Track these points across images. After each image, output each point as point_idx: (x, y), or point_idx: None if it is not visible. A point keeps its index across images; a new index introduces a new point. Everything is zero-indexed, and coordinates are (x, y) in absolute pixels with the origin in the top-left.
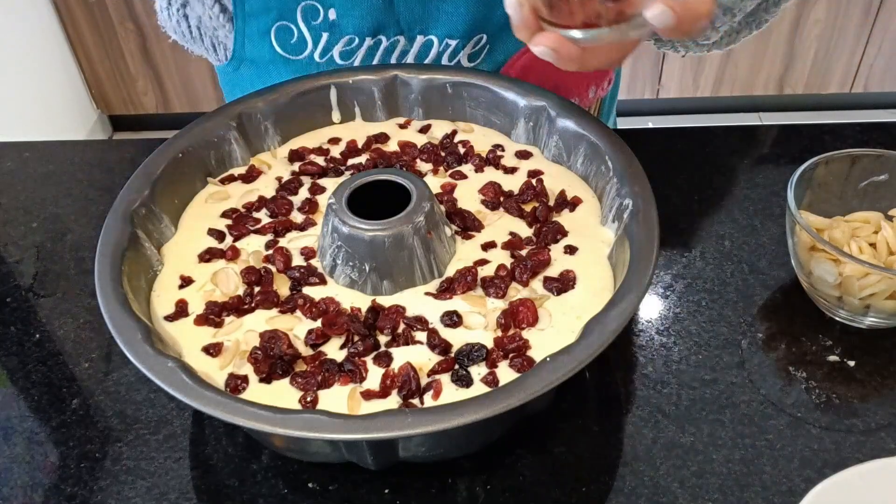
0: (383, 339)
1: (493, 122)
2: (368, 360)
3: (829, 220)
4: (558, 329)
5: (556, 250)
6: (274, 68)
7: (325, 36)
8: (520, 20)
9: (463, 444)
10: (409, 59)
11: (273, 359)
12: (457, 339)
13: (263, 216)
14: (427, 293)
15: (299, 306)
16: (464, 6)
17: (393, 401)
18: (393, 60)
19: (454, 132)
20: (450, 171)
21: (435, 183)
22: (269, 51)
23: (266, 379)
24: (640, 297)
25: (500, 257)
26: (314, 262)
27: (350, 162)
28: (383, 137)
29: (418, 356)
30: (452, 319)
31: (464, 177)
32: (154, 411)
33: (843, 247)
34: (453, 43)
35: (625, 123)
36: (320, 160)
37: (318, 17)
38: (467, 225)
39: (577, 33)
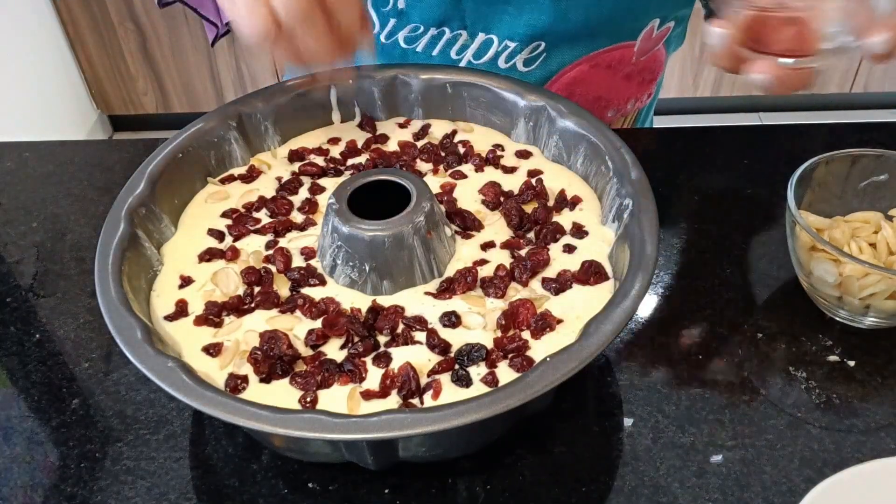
0: (382, 339)
1: (493, 122)
2: (368, 360)
3: (829, 220)
4: (558, 329)
5: (555, 250)
6: None
7: (392, 21)
8: (725, 50)
9: (463, 444)
10: (468, 54)
11: (273, 359)
12: (456, 339)
13: (263, 216)
14: (427, 293)
15: (299, 306)
16: (527, 13)
17: (393, 401)
18: (453, 53)
19: (454, 132)
20: (450, 171)
21: (435, 183)
22: None
23: (266, 379)
24: (640, 297)
25: (500, 257)
26: (314, 262)
27: (350, 162)
28: (383, 137)
29: (418, 356)
30: (451, 320)
31: (464, 176)
32: (154, 411)
33: (843, 247)
34: (512, 45)
35: None
36: (320, 160)
37: (387, 4)
38: (467, 225)
39: (789, 61)
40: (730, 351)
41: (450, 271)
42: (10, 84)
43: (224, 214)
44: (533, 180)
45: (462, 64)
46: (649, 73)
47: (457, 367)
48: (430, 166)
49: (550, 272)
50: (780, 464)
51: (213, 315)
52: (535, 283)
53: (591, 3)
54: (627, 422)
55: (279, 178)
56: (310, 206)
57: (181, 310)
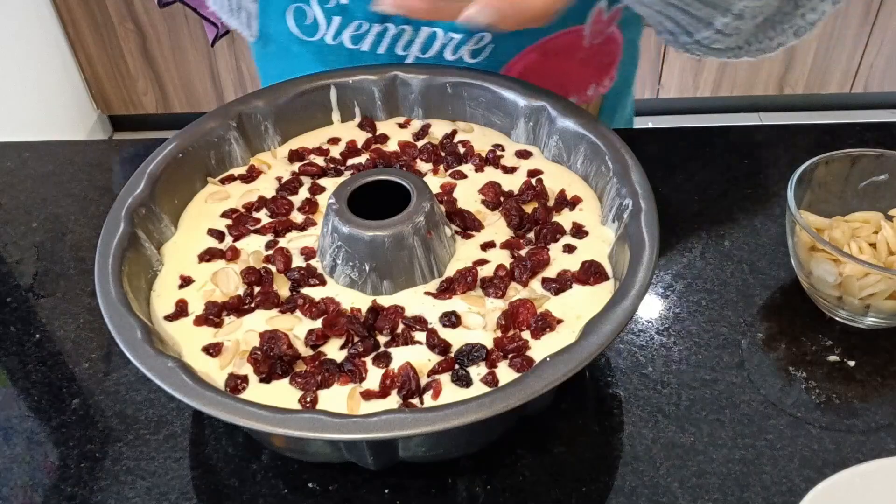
0: (382, 339)
1: (493, 122)
2: (368, 360)
3: (829, 220)
4: (558, 329)
5: (555, 250)
6: (293, 48)
7: (336, 20)
8: None
9: (463, 444)
10: (415, 48)
11: (273, 359)
12: (456, 339)
13: (263, 216)
14: (427, 293)
15: (299, 306)
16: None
17: (393, 401)
18: (399, 49)
19: (454, 132)
20: (450, 171)
21: (435, 183)
22: (286, 30)
23: (266, 379)
24: (640, 297)
25: (500, 257)
26: (314, 262)
27: (350, 162)
28: (383, 137)
29: (418, 356)
30: (451, 320)
31: (464, 177)
32: (154, 411)
33: (843, 247)
34: (456, 37)
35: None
36: (320, 160)
37: (329, 1)
38: (467, 225)
39: None
40: (730, 351)
41: (450, 271)
42: (10, 84)
43: (224, 214)
44: (533, 180)
45: (409, 60)
46: (606, 57)
47: (457, 367)
48: (430, 166)
49: (550, 272)
50: (780, 464)
51: (213, 315)
52: (535, 283)
53: None
54: (627, 422)
55: (279, 178)
56: (310, 206)
57: (181, 310)
